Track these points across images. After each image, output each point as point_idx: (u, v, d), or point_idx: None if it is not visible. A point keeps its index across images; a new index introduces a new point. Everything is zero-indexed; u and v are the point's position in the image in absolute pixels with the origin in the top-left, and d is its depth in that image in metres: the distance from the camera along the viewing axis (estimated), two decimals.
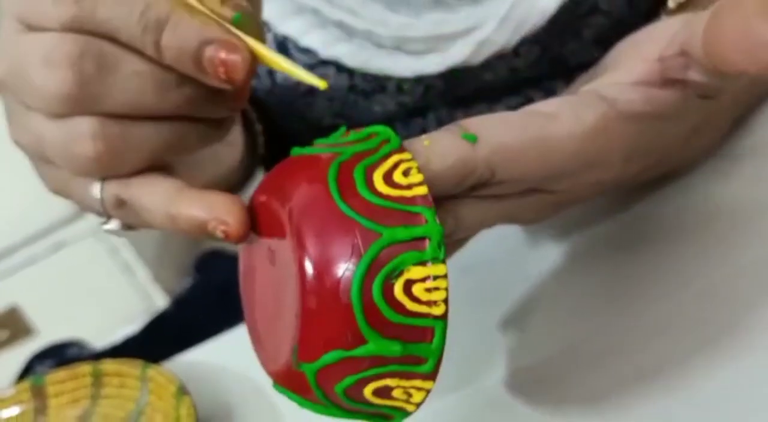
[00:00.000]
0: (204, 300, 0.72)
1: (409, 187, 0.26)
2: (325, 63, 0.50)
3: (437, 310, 0.25)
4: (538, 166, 0.30)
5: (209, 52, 0.28)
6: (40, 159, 0.33)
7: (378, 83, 0.50)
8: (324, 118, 0.53)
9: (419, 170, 0.27)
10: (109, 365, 0.48)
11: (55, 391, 0.49)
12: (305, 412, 0.41)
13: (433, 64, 0.48)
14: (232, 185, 0.51)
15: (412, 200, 0.26)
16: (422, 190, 0.26)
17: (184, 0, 0.29)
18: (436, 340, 0.26)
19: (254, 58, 0.29)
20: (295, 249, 0.26)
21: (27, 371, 0.68)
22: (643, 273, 0.39)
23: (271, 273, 0.29)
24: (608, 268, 0.40)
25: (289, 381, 0.28)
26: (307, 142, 0.58)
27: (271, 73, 0.50)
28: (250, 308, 0.32)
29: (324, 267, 0.25)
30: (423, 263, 0.25)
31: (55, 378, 0.49)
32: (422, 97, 0.51)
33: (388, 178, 0.26)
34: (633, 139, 0.33)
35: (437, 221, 0.26)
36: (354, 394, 0.27)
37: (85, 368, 0.49)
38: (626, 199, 0.42)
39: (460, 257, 0.38)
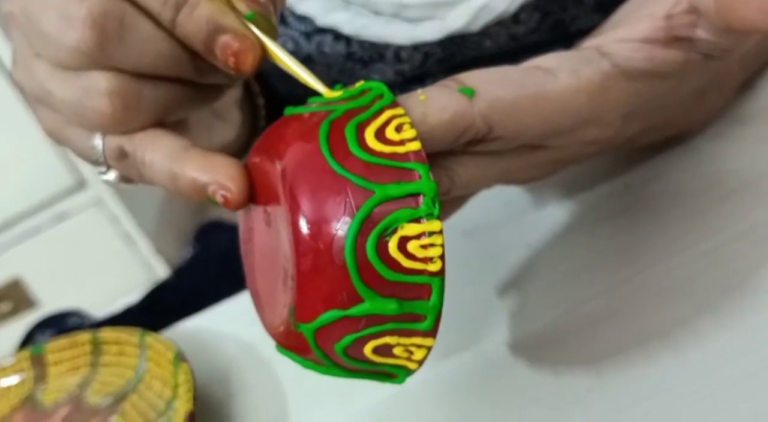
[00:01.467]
0: (204, 270, 0.72)
1: (401, 142, 0.26)
2: (322, 31, 0.49)
3: (433, 267, 0.25)
4: (535, 121, 0.30)
5: (223, 40, 0.29)
6: (40, 102, 0.33)
7: (376, 51, 0.49)
8: None
9: (412, 125, 0.26)
10: (107, 333, 0.48)
11: (55, 359, 0.49)
12: (303, 378, 0.42)
13: (432, 31, 0.47)
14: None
15: (405, 156, 0.25)
16: (415, 146, 0.26)
17: None
18: (433, 297, 0.25)
19: (264, 54, 0.30)
20: (289, 211, 0.26)
21: (28, 340, 0.68)
22: (644, 236, 0.38)
23: (268, 235, 0.29)
24: (610, 231, 0.40)
25: (290, 342, 0.28)
26: None
27: None
28: (250, 271, 0.32)
29: (317, 228, 0.25)
30: (417, 219, 0.25)
31: (55, 347, 0.50)
32: (421, 65, 0.50)
33: (380, 135, 0.26)
34: (633, 97, 0.32)
35: (431, 177, 0.25)
36: (354, 353, 0.27)
37: (85, 336, 0.49)
38: (629, 161, 0.42)
39: (462, 221, 0.38)
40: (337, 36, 0.49)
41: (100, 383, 0.47)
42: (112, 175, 0.33)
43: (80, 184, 1.26)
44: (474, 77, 0.30)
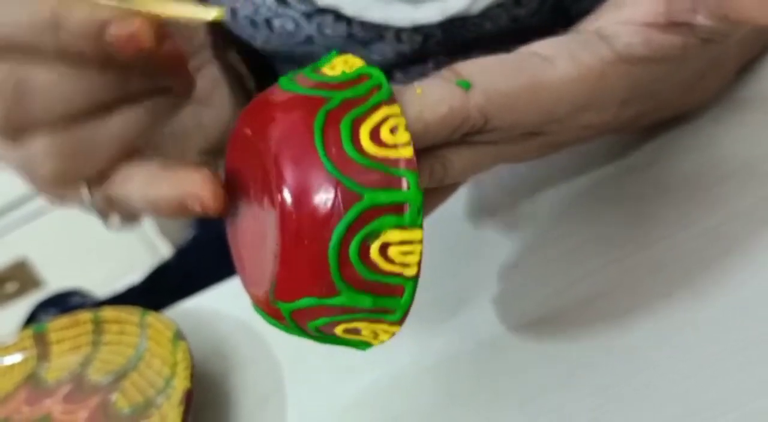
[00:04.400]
0: (205, 251, 0.72)
1: (395, 146, 0.26)
2: (322, 11, 0.49)
3: (410, 272, 0.26)
4: (532, 111, 0.30)
5: (112, 32, 0.27)
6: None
7: (376, 32, 0.49)
8: None
9: (407, 128, 0.26)
10: (109, 312, 0.49)
11: (57, 338, 0.50)
12: (299, 356, 0.42)
13: (431, 13, 0.47)
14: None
15: (396, 162, 0.26)
16: (407, 152, 0.26)
17: None
18: (405, 296, 0.27)
19: (155, 21, 0.28)
20: (277, 200, 0.26)
21: (32, 319, 0.69)
22: (642, 217, 0.38)
23: (254, 207, 0.29)
24: (607, 212, 0.40)
25: (266, 309, 0.29)
26: None
27: (268, 21, 0.50)
28: (232, 225, 0.32)
29: (304, 223, 0.26)
30: (401, 228, 0.26)
31: (57, 326, 0.50)
32: (421, 47, 0.50)
33: (374, 135, 0.26)
34: (631, 82, 0.32)
35: (419, 187, 0.26)
36: (325, 330, 0.28)
37: (86, 315, 0.50)
38: (627, 144, 0.42)
39: (456, 203, 0.38)
40: (338, 16, 0.49)
41: (102, 361, 0.48)
42: (114, 221, 0.33)
43: None
44: (471, 68, 0.29)
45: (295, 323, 0.28)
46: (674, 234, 0.37)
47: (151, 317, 0.47)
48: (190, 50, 0.34)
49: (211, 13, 0.28)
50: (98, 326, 0.49)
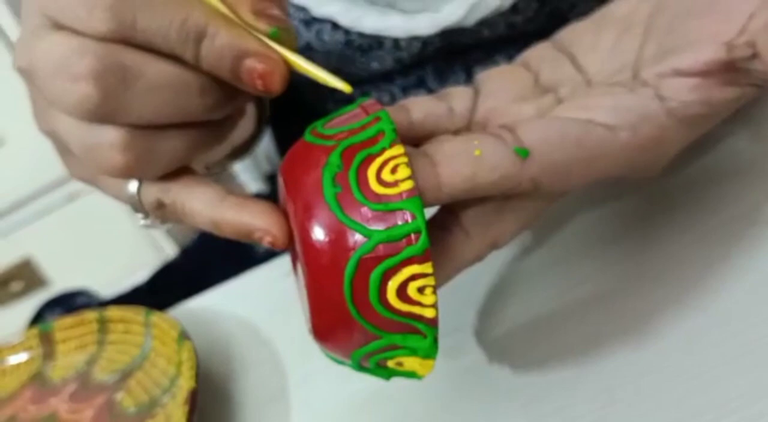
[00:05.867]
0: (211, 251, 0.73)
1: (420, 303, 0.27)
2: (320, 20, 0.49)
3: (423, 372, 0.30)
4: (584, 179, 0.30)
5: (248, 64, 0.29)
6: (64, 151, 0.33)
7: (375, 39, 0.49)
8: None
9: (434, 292, 0.27)
10: (114, 312, 0.49)
11: (63, 337, 0.50)
12: (303, 357, 0.43)
13: (426, 24, 0.47)
14: (248, 149, 0.52)
15: (419, 317, 0.28)
16: (430, 313, 0.27)
17: (220, 12, 0.29)
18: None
19: (289, 70, 0.30)
20: (305, 273, 0.28)
21: (37, 319, 0.69)
22: (640, 220, 0.39)
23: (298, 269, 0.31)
24: (605, 215, 0.40)
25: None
26: (311, 97, 0.57)
27: None
28: (293, 257, 0.33)
29: (321, 286, 0.28)
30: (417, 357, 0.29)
31: (63, 325, 0.50)
32: (419, 53, 0.50)
33: (401, 290, 0.27)
34: (684, 141, 0.32)
35: (436, 339, 0.28)
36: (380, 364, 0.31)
37: (92, 315, 0.50)
38: None
39: None
40: (335, 25, 0.49)
41: (107, 360, 0.48)
42: (151, 221, 0.34)
43: None
44: (532, 134, 0.29)
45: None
46: (676, 235, 0.37)
47: (156, 317, 0.47)
48: None
49: (339, 83, 0.29)
50: (103, 325, 0.50)
